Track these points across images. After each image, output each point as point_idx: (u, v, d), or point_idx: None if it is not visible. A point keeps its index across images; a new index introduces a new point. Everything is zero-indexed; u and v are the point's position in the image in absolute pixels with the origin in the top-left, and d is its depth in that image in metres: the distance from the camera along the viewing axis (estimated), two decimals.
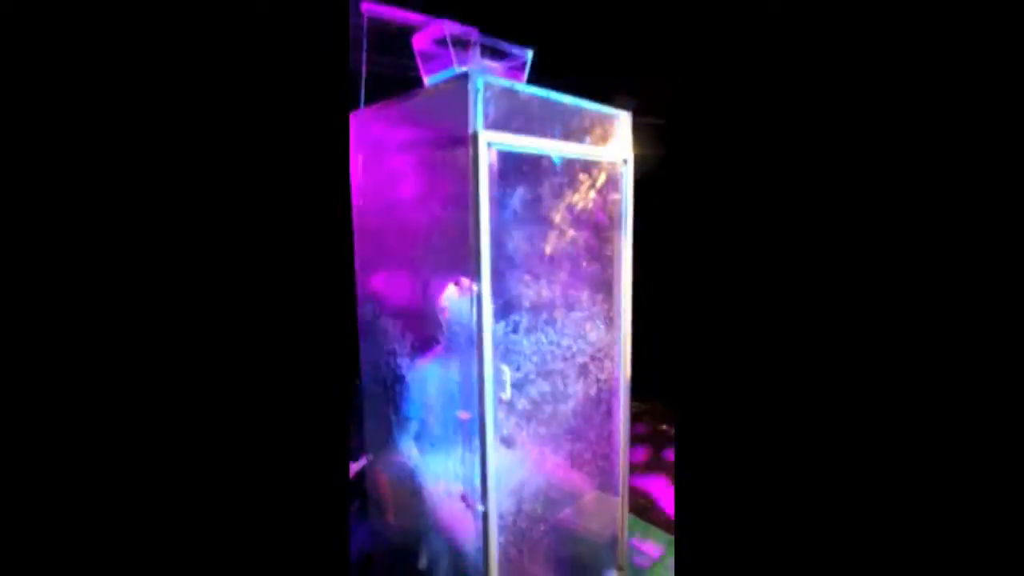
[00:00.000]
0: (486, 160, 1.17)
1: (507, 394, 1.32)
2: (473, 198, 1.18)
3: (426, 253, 1.48)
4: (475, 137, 1.16)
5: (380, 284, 1.62)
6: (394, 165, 1.52)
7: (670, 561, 1.97)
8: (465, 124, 1.17)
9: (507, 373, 1.31)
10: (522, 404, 1.41)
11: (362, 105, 1.54)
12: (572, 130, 1.46)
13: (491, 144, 1.19)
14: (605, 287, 1.63)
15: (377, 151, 1.59)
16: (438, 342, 1.51)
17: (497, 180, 1.26)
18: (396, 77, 1.58)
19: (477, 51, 1.42)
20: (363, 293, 1.66)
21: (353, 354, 1.67)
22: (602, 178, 1.56)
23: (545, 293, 1.46)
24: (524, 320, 1.39)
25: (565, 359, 1.52)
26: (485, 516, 1.29)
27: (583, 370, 1.59)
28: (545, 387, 1.47)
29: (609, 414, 1.70)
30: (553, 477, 1.56)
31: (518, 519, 1.45)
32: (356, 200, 1.65)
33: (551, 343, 1.47)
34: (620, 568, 1.82)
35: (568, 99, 1.43)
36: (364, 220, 1.66)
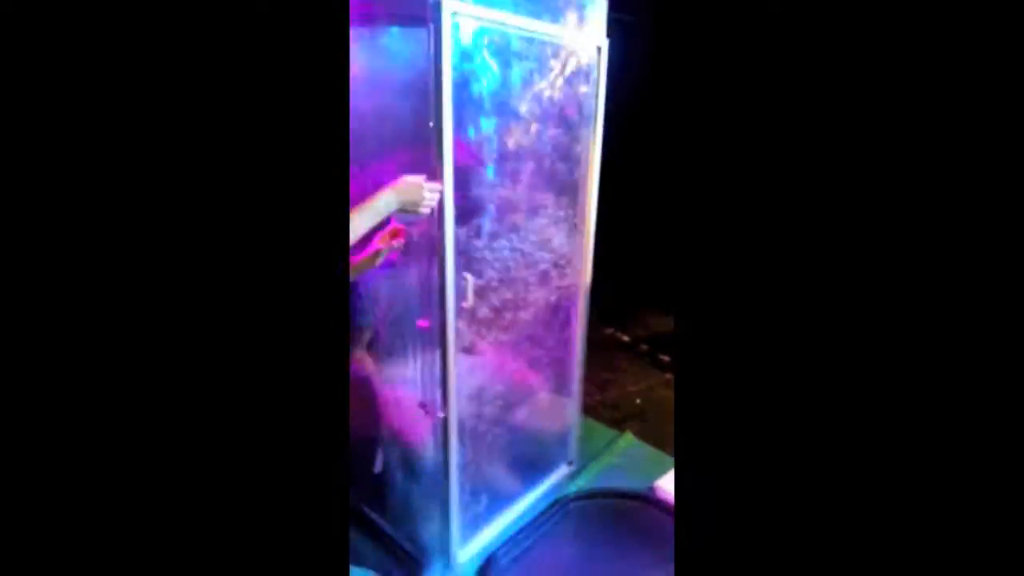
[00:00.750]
0: (449, 35, 1.01)
1: (469, 302, 1.26)
2: (435, 82, 1.02)
3: (379, 147, 1.32)
4: (438, 7, 0.98)
5: None
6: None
7: (613, 457, 2.10)
8: None
9: (470, 282, 1.24)
10: (483, 312, 1.36)
11: None
12: (545, 7, 1.28)
13: (455, 15, 1.01)
14: (570, 190, 1.54)
15: None
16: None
17: (459, 64, 1.10)
18: None
19: None
20: None
21: None
22: (572, 63, 1.41)
23: (510, 195, 1.35)
24: (487, 224, 1.30)
25: (527, 266, 1.46)
26: (445, 422, 1.28)
27: (544, 277, 1.54)
28: (507, 295, 1.41)
29: (567, 320, 1.69)
30: (512, 382, 1.57)
31: (477, 424, 1.45)
32: None
33: (514, 250, 1.40)
34: (570, 462, 1.92)
35: None
36: None
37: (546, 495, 1.79)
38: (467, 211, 1.23)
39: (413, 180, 1.04)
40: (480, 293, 1.32)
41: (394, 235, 1.15)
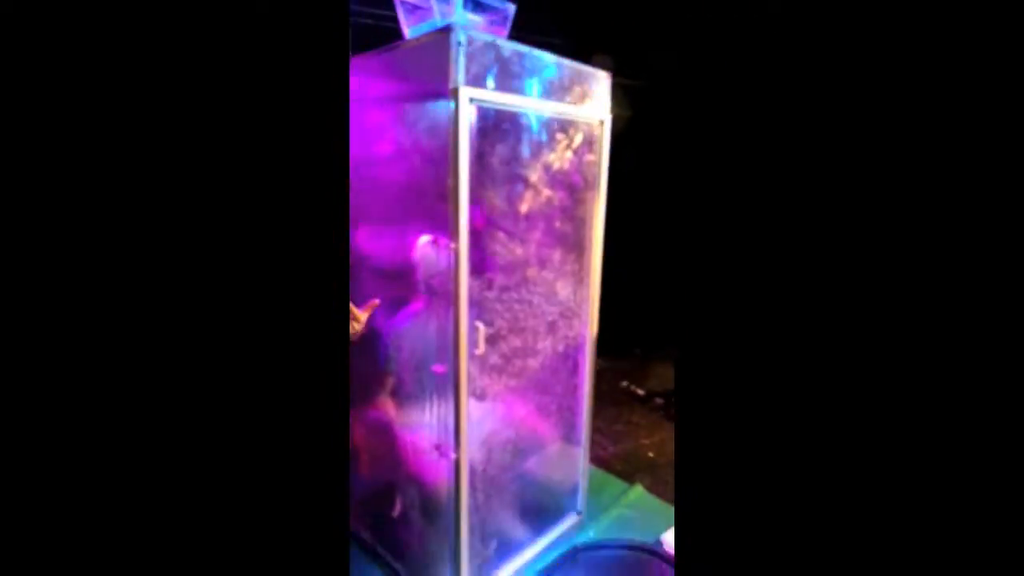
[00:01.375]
0: (467, 116, 1.17)
1: (481, 349, 1.36)
2: (453, 155, 1.18)
3: (404, 210, 1.47)
4: (456, 92, 1.15)
5: (357, 241, 1.62)
6: (372, 119, 1.49)
7: (623, 508, 2.11)
8: (446, 79, 1.16)
9: (481, 330, 1.35)
10: (493, 359, 1.46)
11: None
12: (552, 88, 1.46)
13: (472, 100, 1.18)
14: (577, 247, 1.67)
15: (355, 105, 1.55)
16: (415, 299, 1.53)
17: (475, 137, 1.26)
18: (376, 28, 1.52)
19: (459, 3, 1.39)
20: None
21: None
22: (579, 138, 1.57)
23: (519, 252, 1.49)
24: (499, 278, 1.42)
25: (536, 316, 1.57)
26: (457, 464, 1.36)
27: (552, 327, 1.64)
28: (516, 343, 1.52)
29: (575, 369, 1.78)
30: (521, 428, 1.64)
31: (488, 467, 1.52)
32: None
33: (523, 301, 1.51)
34: (579, 512, 1.94)
35: (550, 56, 1.42)
36: None
37: (555, 544, 1.82)
38: (480, 266, 1.36)
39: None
40: (491, 341, 1.43)
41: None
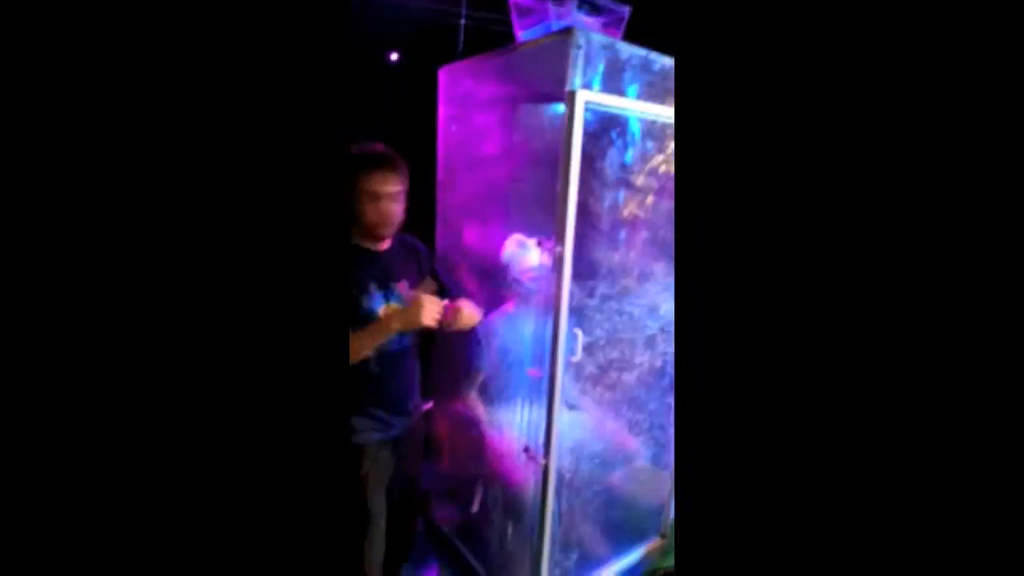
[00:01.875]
0: (581, 119, 1.15)
1: (578, 357, 1.34)
2: (564, 158, 1.17)
3: (507, 211, 1.49)
4: (572, 96, 1.14)
5: (459, 239, 1.66)
6: (482, 120, 1.52)
7: None
8: (563, 81, 1.15)
9: (580, 337, 1.32)
10: (589, 369, 1.43)
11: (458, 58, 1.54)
12: (663, 91, 1.40)
13: (587, 104, 1.16)
14: None
15: (466, 106, 1.59)
16: (510, 299, 1.54)
17: (586, 140, 1.24)
18: (488, 31, 1.55)
19: (574, 5, 1.38)
20: (442, 246, 1.69)
21: None
22: None
23: (623, 261, 1.45)
24: (600, 287, 1.39)
25: (635, 329, 1.52)
26: (546, 470, 1.34)
27: (651, 341, 1.58)
28: (613, 354, 1.47)
29: (671, 387, 1.70)
30: (611, 442, 1.59)
31: (574, 477, 1.49)
32: (442, 153, 1.66)
33: (623, 312, 1.47)
34: (663, 536, 1.86)
35: (667, 59, 1.37)
36: (448, 174, 1.68)
37: (638, 565, 1.75)
38: (583, 272, 1.34)
39: (417, 301, 1.20)
40: (588, 350, 1.40)
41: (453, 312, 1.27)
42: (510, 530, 1.55)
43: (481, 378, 1.61)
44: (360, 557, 1.33)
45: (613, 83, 1.25)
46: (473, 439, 1.64)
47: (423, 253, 1.44)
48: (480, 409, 1.62)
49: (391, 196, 1.24)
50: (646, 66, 1.32)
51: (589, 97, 1.16)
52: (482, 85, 1.51)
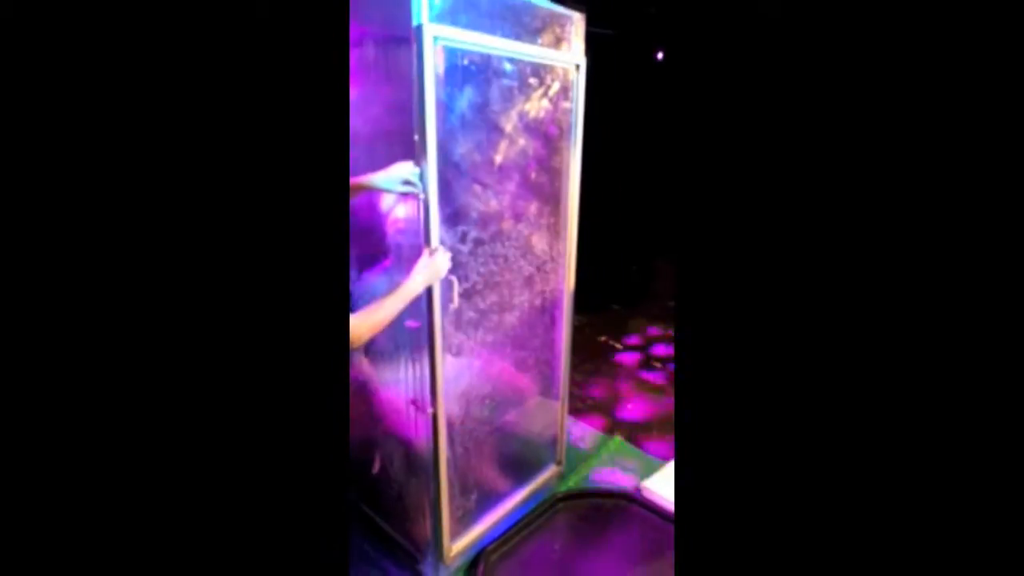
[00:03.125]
0: (432, 57, 1.10)
1: (455, 304, 1.34)
2: (418, 101, 1.11)
3: (370, 163, 1.40)
4: (420, 31, 1.08)
5: None
6: None
7: (602, 459, 2.16)
8: (408, 16, 1.08)
9: (455, 285, 1.32)
10: (468, 315, 1.44)
11: None
12: (524, 30, 1.38)
13: (437, 39, 1.11)
14: (552, 199, 1.63)
15: None
16: (386, 256, 1.48)
17: (443, 83, 1.19)
18: None
19: None
20: None
21: None
22: (555, 86, 1.51)
23: (493, 204, 1.44)
24: (472, 231, 1.38)
25: (512, 271, 1.54)
26: (434, 418, 1.35)
27: (528, 281, 1.62)
28: (492, 298, 1.49)
29: (552, 323, 1.77)
30: (499, 382, 1.63)
31: (466, 421, 1.52)
32: None
33: (498, 255, 1.48)
34: (559, 463, 1.98)
35: None
36: None
37: (536, 495, 1.85)
38: (453, 218, 1.32)
39: (440, 256, 1.21)
40: (466, 296, 1.40)
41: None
42: (410, 484, 1.56)
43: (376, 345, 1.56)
44: None
45: (474, 21, 1.21)
46: (365, 401, 1.60)
47: None
48: (368, 369, 1.58)
49: None
50: (505, 3, 1.28)
51: (438, 31, 1.10)
52: None
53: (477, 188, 1.38)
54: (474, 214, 1.38)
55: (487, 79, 1.32)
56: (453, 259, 1.28)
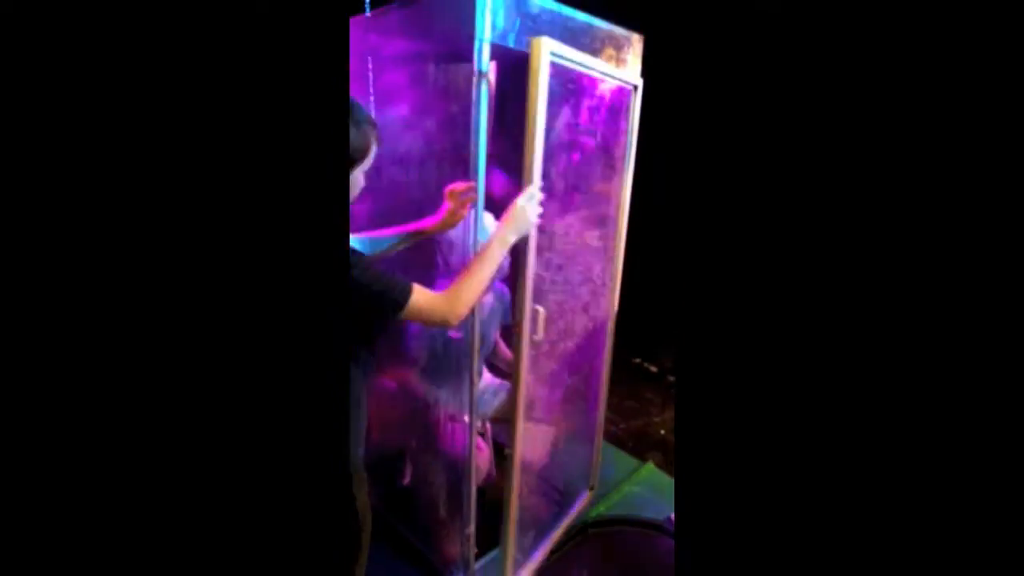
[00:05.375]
0: (546, 72, 1.04)
1: (540, 336, 1.25)
2: (530, 119, 1.05)
3: (420, 182, 1.38)
4: (478, 47, 1.05)
5: (371, 214, 1.54)
6: (387, 82, 1.39)
7: (633, 486, 2.10)
8: (469, 33, 1.05)
9: (541, 315, 1.23)
10: (544, 345, 1.37)
11: (367, 11, 1.38)
12: (583, 50, 1.35)
13: (552, 55, 1.05)
14: (608, 221, 1.59)
15: (374, 64, 1.45)
16: (435, 276, 1.46)
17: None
18: None
19: None
20: (354, 224, 1.57)
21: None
22: (609, 101, 1.47)
23: (561, 227, 1.39)
24: (554, 257, 1.33)
25: (575, 296, 1.48)
26: (511, 458, 1.30)
27: (585, 307, 1.57)
28: (560, 324, 1.43)
29: (597, 348, 1.72)
30: (553, 411, 1.58)
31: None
32: None
33: (569, 281, 1.42)
34: (591, 488, 1.93)
35: (581, 15, 1.31)
36: None
37: (573, 523, 1.80)
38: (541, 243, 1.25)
39: (520, 204, 1.06)
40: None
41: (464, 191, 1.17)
42: (448, 501, 1.52)
43: (424, 356, 1.53)
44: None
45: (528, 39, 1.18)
46: (405, 412, 1.57)
47: None
48: (415, 382, 1.54)
49: None
50: (562, 22, 1.26)
51: (554, 47, 1.05)
52: (389, 40, 1.37)
53: (560, 208, 1.34)
54: (555, 238, 1.34)
55: (578, 98, 1.29)
56: (537, 288, 1.20)
